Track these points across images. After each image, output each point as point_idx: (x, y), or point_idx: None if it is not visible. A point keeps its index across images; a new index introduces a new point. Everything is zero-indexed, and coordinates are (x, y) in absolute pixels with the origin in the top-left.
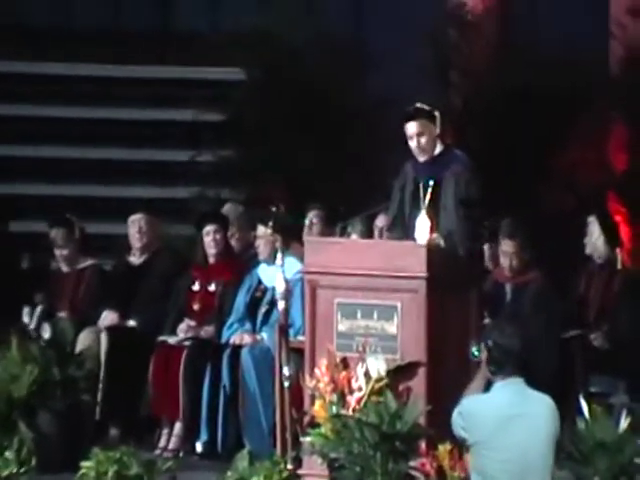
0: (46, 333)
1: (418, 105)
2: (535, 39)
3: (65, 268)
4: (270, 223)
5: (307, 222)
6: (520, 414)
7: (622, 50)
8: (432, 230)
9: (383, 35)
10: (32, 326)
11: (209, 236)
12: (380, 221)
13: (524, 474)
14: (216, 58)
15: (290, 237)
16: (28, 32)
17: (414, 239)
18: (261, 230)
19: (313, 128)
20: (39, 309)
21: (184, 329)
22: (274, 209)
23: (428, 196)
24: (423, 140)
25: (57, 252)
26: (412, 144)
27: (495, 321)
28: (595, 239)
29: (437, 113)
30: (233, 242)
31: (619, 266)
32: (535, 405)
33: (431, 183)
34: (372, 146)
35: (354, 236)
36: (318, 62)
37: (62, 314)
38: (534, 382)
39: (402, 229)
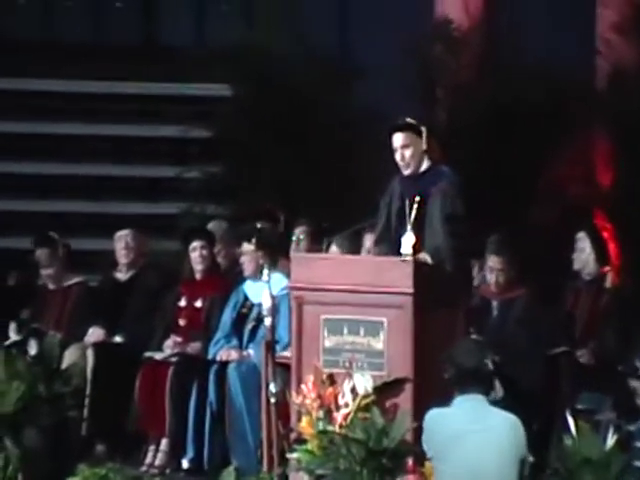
0: (33, 349)
1: (406, 118)
2: (521, 55)
3: (51, 286)
4: (253, 239)
5: (294, 238)
6: (475, 430)
7: (608, 66)
8: (418, 246)
9: (369, 50)
10: (19, 342)
11: (196, 252)
12: (368, 241)
13: None
14: (201, 73)
15: (277, 253)
16: (9, 47)
17: (400, 255)
18: (245, 246)
19: (300, 143)
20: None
21: (170, 345)
22: (259, 225)
23: (414, 212)
24: (407, 153)
25: (43, 272)
26: (397, 157)
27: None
28: (587, 255)
29: (424, 128)
30: (219, 259)
31: (608, 284)
32: (493, 421)
33: (417, 199)
34: (359, 161)
35: (334, 249)
36: (304, 77)
37: (49, 331)
38: (520, 398)
39: (389, 245)
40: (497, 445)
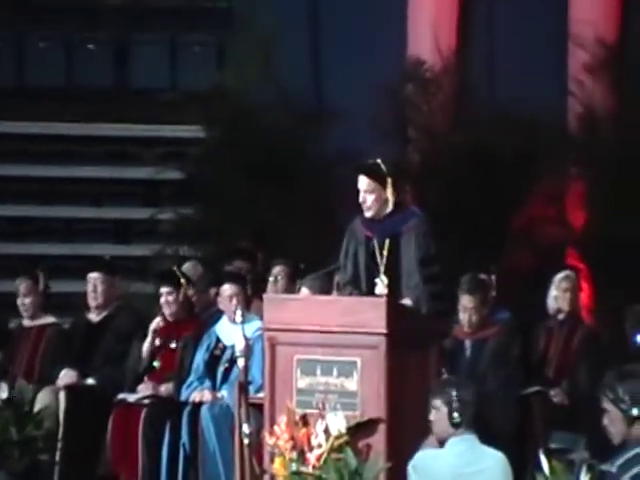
0: (4, 393)
1: (375, 161)
2: (493, 96)
3: (26, 322)
4: (235, 280)
5: (272, 278)
6: (471, 472)
7: (580, 107)
8: (392, 287)
9: (341, 91)
10: None
11: (162, 298)
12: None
13: None
14: (174, 115)
15: (252, 294)
16: None
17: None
18: (227, 288)
19: (273, 184)
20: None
21: (146, 388)
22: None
23: (385, 253)
24: (370, 198)
25: (19, 302)
26: (360, 198)
27: (452, 377)
28: (575, 295)
29: (389, 179)
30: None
31: (581, 323)
32: (486, 463)
33: (387, 241)
34: (333, 202)
35: (304, 291)
36: (276, 119)
37: (20, 374)
38: (492, 438)
39: (357, 287)
40: None
